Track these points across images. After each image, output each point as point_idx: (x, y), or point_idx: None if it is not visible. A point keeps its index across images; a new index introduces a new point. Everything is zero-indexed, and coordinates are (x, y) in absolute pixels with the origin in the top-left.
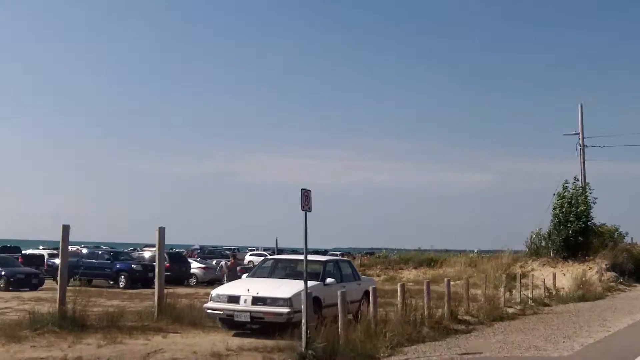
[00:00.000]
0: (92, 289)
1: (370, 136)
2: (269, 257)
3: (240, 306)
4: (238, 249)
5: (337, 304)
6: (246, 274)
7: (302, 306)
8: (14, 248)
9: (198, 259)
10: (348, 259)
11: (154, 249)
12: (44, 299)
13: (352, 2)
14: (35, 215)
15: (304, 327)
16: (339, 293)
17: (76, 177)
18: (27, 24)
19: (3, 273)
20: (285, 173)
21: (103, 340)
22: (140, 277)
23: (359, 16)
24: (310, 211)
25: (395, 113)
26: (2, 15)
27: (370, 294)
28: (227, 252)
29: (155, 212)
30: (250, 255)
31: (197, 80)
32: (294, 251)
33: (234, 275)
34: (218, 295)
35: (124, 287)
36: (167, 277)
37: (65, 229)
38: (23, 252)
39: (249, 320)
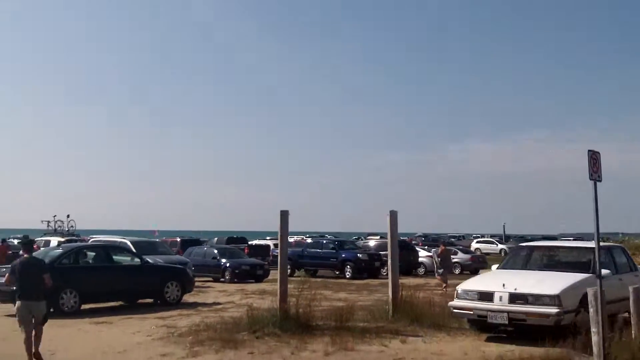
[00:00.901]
0: (317, 279)
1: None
2: (522, 244)
3: (495, 305)
4: (463, 236)
5: (613, 302)
6: (496, 266)
7: (591, 309)
8: (240, 239)
9: (425, 247)
10: (621, 244)
11: (377, 237)
12: (268, 292)
13: None
14: (263, 206)
15: (595, 338)
16: (631, 289)
17: (301, 169)
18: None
19: (228, 265)
20: (500, 160)
21: (331, 346)
22: (367, 267)
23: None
24: (601, 180)
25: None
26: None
27: None
28: (452, 239)
29: (377, 200)
30: (477, 242)
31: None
32: (522, 237)
33: (445, 264)
34: (465, 292)
35: (350, 278)
36: None
37: (284, 215)
38: (249, 242)
39: (506, 322)
